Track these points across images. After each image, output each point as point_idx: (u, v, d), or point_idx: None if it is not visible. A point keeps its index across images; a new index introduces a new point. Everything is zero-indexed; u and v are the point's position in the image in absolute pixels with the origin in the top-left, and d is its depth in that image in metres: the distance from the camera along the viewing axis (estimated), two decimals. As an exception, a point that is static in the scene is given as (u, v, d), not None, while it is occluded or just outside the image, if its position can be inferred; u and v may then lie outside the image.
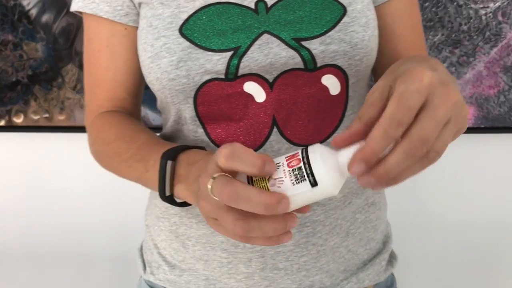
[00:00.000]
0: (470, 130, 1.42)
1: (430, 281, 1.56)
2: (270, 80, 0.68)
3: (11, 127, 1.44)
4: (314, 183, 0.46)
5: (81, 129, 1.43)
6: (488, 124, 1.41)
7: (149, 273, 0.81)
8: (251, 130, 0.70)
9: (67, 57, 1.39)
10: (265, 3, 0.68)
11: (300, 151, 0.49)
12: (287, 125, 0.70)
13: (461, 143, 1.43)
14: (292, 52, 0.67)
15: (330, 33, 0.67)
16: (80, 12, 0.77)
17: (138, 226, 1.44)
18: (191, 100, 0.69)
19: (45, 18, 1.38)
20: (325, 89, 0.69)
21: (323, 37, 0.67)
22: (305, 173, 0.47)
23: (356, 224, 0.77)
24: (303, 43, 0.67)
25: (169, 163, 0.61)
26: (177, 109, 0.72)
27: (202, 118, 0.71)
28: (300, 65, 0.67)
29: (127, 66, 0.76)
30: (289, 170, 0.47)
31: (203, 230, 0.75)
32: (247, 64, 0.67)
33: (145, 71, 0.71)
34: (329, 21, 0.68)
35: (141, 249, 0.86)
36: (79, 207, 1.51)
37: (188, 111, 0.70)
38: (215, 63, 0.66)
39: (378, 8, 0.76)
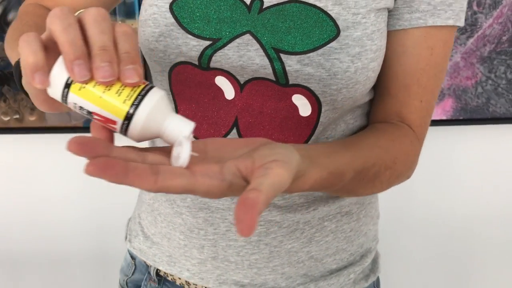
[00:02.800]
0: (449, 122, 1.41)
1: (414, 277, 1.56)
2: (241, 82, 0.67)
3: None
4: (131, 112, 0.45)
5: (53, 129, 1.41)
6: (466, 116, 1.40)
7: (128, 241, 0.86)
8: (213, 125, 0.70)
9: (36, 56, 1.35)
10: (261, 3, 0.65)
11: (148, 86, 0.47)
12: (247, 132, 0.69)
13: (441, 135, 1.43)
14: (266, 62, 0.65)
15: (310, 54, 0.63)
16: None
17: (120, 227, 1.45)
18: (166, 74, 0.69)
19: (11, 16, 1.34)
20: (294, 108, 0.67)
21: (302, 56, 0.63)
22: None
23: (324, 232, 0.76)
24: (282, 55, 0.64)
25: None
26: (154, 78, 0.73)
27: (175, 95, 0.71)
28: (271, 77, 0.65)
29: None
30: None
31: (168, 210, 0.77)
32: (219, 59, 0.66)
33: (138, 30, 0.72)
34: (316, 41, 0.63)
35: (129, 219, 0.90)
36: (54, 209, 1.49)
37: (164, 84, 0.71)
38: (191, 48, 0.66)
39: (393, 34, 0.69)
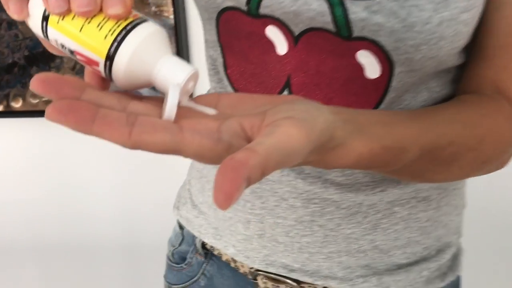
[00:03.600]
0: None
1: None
2: (296, 33, 0.56)
3: (10, 113, 1.39)
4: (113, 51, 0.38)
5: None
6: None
7: (176, 208, 0.79)
8: (261, 84, 0.61)
9: (64, 35, 1.33)
10: None
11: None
12: (301, 95, 0.59)
13: None
14: (325, 7, 0.53)
15: None
16: None
17: (146, 215, 1.44)
18: (213, 23, 0.61)
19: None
20: (359, 67, 0.55)
21: (370, 2, 0.51)
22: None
23: (393, 219, 0.65)
24: (345, 0, 0.52)
25: None
26: (204, 27, 0.65)
27: (223, 47, 0.62)
28: (330, 26, 0.53)
29: None
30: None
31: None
32: (270, 3, 0.55)
33: None
34: None
35: (181, 186, 0.83)
36: (83, 195, 1.46)
37: (212, 33, 0.63)
38: None
39: None
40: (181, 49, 1.25)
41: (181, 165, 0.79)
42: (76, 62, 1.35)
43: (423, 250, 0.67)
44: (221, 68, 0.64)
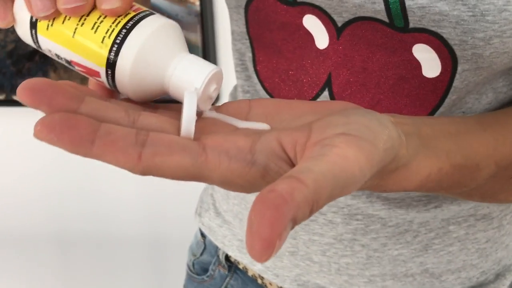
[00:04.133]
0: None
1: None
2: (339, 24, 0.48)
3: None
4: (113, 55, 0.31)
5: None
6: None
7: (198, 214, 0.72)
8: (300, 80, 0.53)
9: (86, 22, 1.28)
10: None
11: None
12: (345, 95, 0.52)
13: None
14: None
15: None
16: None
17: (170, 207, 1.41)
18: (242, 12, 0.54)
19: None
20: (416, 64, 0.47)
21: None
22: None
23: (447, 239, 0.57)
24: None
25: None
26: (231, 17, 0.57)
27: (253, 40, 0.55)
28: (382, 16, 0.45)
29: None
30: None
31: None
32: None
33: None
34: None
35: (204, 189, 0.76)
36: (104, 187, 1.44)
37: (239, 24, 0.55)
38: None
39: None
40: (207, 40, 1.18)
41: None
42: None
43: (480, 275, 0.59)
44: (250, 64, 0.57)
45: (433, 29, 0.44)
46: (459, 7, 0.42)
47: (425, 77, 0.48)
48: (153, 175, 0.27)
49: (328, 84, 0.51)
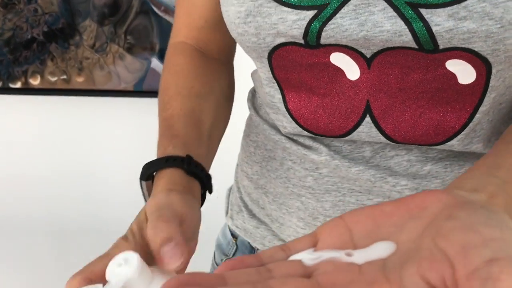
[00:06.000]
0: None
1: None
2: (368, 56, 0.50)
3: (27, 90, 1.35)
4: None
5: (101, 92, 1.34)
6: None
7: (229, 217, 0.73)
8: (337, 112, 0.55)
9: (84, 11, 1.28)
10: None
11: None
12: (387, 116, 0.54)
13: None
14: (401, 25, 0.47)
15: (467, 2, 0.44)
16: None
17: None
18: (265, 61, 0.55)
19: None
20: (451, 76, 0.49)
21: (455, 7, 0.45)
22: None
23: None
24: (423, 11, 0.46)
25: (143, 184, 0.56)
26: (255, 63, 0.59)
27: (280, 82, 0.57)
28: (411, 44, 0.47)
29: None
30: None
31: (280, 189, 0.63)
32: (332, 34, 0.49)
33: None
34: None
35: (230, 189, 0.76)
36: (100, 173, 1.43)
37: (264, 71, 0.57)
38: (290, 25, 0.50)
39: None
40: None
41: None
42: (96, 40, 1.30)
43: None
44: (280, 105, 0.58)
45: (463, 46, 0.46)
46: (486, 22, 0.44)
47: (461, 84, 0.50)
48: None
49: (368, 111, 0.54)
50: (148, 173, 0.53)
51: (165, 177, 0.51)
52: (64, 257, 1.52)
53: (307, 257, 0.29)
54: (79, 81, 1.34)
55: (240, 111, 0.71)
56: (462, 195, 0.32)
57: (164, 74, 0.65)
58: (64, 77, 1.33)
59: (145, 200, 0.54)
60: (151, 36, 1.30)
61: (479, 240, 0.27)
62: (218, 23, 0.63)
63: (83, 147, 1.42)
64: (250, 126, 0.68)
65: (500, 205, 0.32)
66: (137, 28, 1.30)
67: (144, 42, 1.30)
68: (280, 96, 0.58)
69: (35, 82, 1.35)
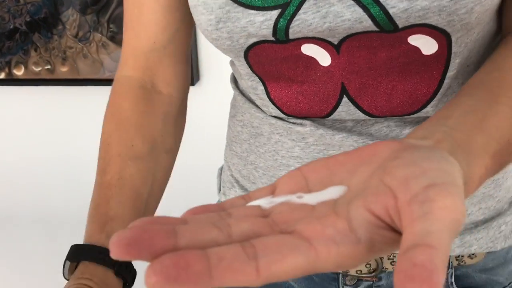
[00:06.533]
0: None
1: None
2: (335, 43, 0.54)
3: (11, 80, 1.35)
4: None
5: (86, 82, 1.34)
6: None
7: (222, 193, 0.75)
8: (316, 97, 0.59)
9: (66, 0, 1.28)
10: None
11: None
12: (362, 94, 0.57)
13: None
14: (360, 13, 0.50)
15: None
16: None
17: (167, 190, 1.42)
18: (242, 59, 0.59)
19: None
20: (415, 49, 0.53)
21: None
22: None
23: None
24: None
25: (67, 264, 0.57)
26: (233, 62, 0.63)
27: (260, 76, 0.60)
28: (373, 28, 0.51)
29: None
30: None
31: (269, 162, 0.66)
32: (299, 29, 0.53)
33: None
34: None
35: (221, 168, 0.79)
36: (86, 163, 1.43)
37: (243, 68, 0.60)
38: (259, 26, 0.54)
39: None
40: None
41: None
42: (79, 29, 1.30)
43: (496, 204, 0.64)
44: (264, 96, 0.62)
45: (420, 22, 0.50)
46: None
47: (426, 55, 0.54)
48: (272, 281, 0.27)
49: (344, 92, 0.57)
50: (77, 260, 0.56)
51: (92, 277, 0.54)
52: (52, 244, 1.53)
53: (264, 202, 0.32)
54: (63, 70, 1.34)
55: (227, 95, 0.73)
56: (411, 142, 0.35)
57: (106, 119, 0.67)
58: (48, 67, 1.33)
59: (65, 278, 0.56)
60: (134, 24, 1.30)
61: (419, 171, 0.29)
62: (167, 45, 0.64)
63: (69, 136, 1.42)
64: (235, 107, 0.71)
65: (445, 148, 0.34)
66: (120, 16, 1.30)
67: (127, 30, 1.31)
68: (262, 87, 0.61)
69: (19, 72, 1.35)
